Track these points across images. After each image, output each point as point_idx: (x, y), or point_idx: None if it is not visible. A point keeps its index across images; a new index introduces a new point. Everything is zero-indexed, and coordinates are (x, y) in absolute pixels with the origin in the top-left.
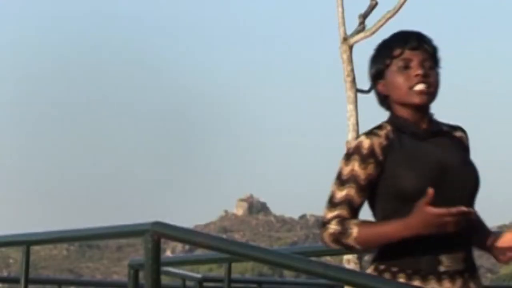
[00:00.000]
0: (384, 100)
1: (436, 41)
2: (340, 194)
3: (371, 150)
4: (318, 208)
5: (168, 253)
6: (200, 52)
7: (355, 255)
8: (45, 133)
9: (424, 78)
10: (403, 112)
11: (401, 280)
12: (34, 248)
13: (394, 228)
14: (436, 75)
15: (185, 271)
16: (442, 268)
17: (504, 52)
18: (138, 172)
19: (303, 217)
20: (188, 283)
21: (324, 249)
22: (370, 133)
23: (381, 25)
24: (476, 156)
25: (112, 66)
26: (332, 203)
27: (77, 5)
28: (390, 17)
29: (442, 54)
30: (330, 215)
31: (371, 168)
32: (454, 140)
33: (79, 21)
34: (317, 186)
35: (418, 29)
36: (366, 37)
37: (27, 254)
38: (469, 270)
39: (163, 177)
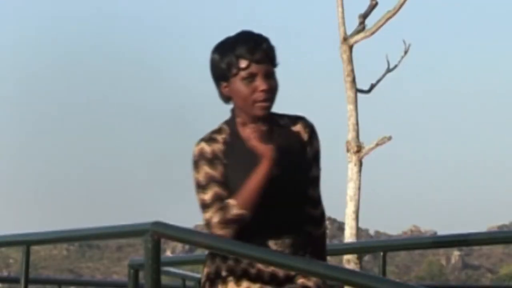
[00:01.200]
0: (226, 100)
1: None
2: (207, 196)
3: (214, 154)
4: None
5: (168, 253)
6: (200, 52)
7: (355, 255)
8: (45, 133)
9: (267, 94)
10: (244, 117)
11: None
12: (34, 248)
13: (255, 172)
14: (276, 82)
15: (185, 271)
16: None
17: (504, 52)
18: (138, 172)
19: None
20: (188, 283)
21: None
22: (209, 140)
23: (381, 25)
24: (476, 156)
25: (112, 66)
26: (206, 206)
27: (77, 5)
28: (390, 17)
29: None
30: (209, 214)
31: (220, 168)
32: (289, 137)
33: (79, 21)
34: None
35: (417, 29)
36: (366, 37)
37: (27, 254)
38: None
39: (163, 177)
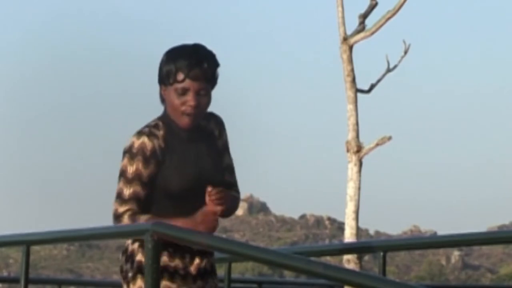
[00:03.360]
0: (163, 101)
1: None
2: (128, 191)
3: (153, 151)
4: (318, 208)
5: None
6: None
7: (355, 255)
8: (45, 132)
9: (195, 109)
10: (173, 118)
11: (164, 257)
12: (34, 248)
13: (179, 224)
14: (208, 100)
15: None
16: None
17: (504, 52)
18: None
19: (303, 217)
20: None
21: (324, 249)
22: (151, 135)
23: (381, 25)
24: (476, 156)
25: (113, 66)
26: (122, 199)
27: (75, 5)
28: (390, 17)
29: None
30: (122, 209)
31: (152, 168)
32: (208, 136)
33: (79, 20)
34: (317, 186)
35: (417, 29)
36: (366, 37)
37: (27, 254)
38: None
39: None
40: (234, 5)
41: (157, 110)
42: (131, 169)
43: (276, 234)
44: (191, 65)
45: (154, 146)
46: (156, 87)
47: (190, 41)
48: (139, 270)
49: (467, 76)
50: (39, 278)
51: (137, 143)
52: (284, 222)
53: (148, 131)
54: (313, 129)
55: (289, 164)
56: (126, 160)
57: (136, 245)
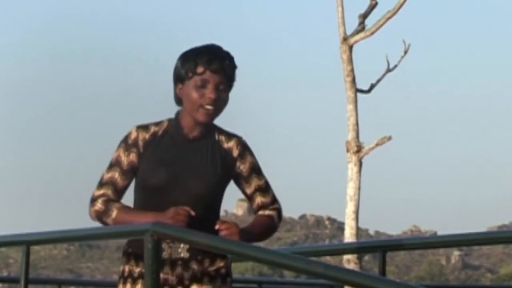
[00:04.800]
0: (179, 102)
1: (439, 41)
2: (107, 175)
3: (135, 141)
4: (318, 208)
5: None
6: None
7: (355, 255)
8: (45, 132)
9: (214, 102)
10: (186, 119)
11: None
12: (34, 248)
13: (145, 219)
14: (226, 97)
15: None
16: (164, 255)
17: (504, 52)
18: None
19: (303, 217)
20: None
21: (324, 249)
22: (142, 127)
23: (381, 25)
24: (476, 156)
25: (113, 66)
26: (100, 183)
27: (73, 4)
28: (390, 17)
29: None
30: (97, 193)
31: (133, 156)
32: (217, 149)
33: (79, 20)
34: (317, 186)
35: (417, 29)
36: (366, 37)
37: (27, 254)
38: (195, 258)
39: None
40: (234, 5)
41: (157, 110)
42: (114, 155)
43: (276, 234)
44: (212, 59)
45: (138, 136)
46: (157, 87)
47: (190, 41)
48: (120, 277)
49: (467, 76)
50: (39, 278)
51: (126, 133)
52: (284, 222)
53: (143, 124)
54: (313, 129)
55: (289, 164)
56: (115, 148)
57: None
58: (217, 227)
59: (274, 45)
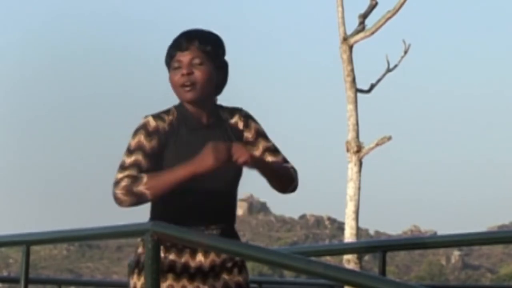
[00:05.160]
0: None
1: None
2: (129, 159)
3: (156, 129)
4: (318, 208)
5: None
6: None
7: (355, 255)
8: (45, 132)
9: (188, 77)
10: (187, 106)
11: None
12: (34, 248)
13: (180, 172)
14: (206, 70)
15: None
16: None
17: (504, 52)
18: None
19: (303, 217)
20: None
21: (324, 249)
22: (157, 116)
23: (381, 25)
24: (476, 156)
25: (113, 66)
26: (122, 167)
27: (72, 4)
28: (390, 17)
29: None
30: (121, 175)
31: (155, 142)
32: (228, 129)
33: (79, 20)
34: (317, 186)
35: (417, 29)
36: (366, 37)
37: (27, 254)
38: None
39: None
40: (234, 5)
41: (157, 109)
42: (133, 142)
43: (276, 234)
44: (179, 39)
45: (158, 125)
46: (157, 87)
47: (190, 29)
48: (137, 264)
49: (467, 76)
50: (39, 278)
51: (141, 122)
52: (284, 222)
53: (156, 114)
54: (313, 129)
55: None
56: (130, 138)
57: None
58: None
59: (274, 45)
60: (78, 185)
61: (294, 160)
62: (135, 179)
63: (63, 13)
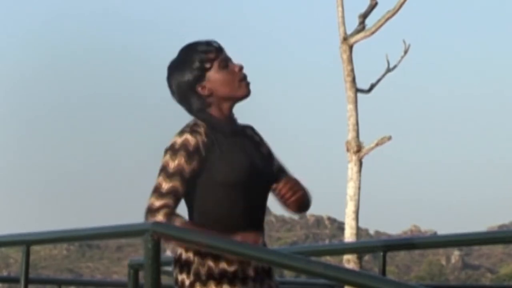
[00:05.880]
0: (202, 101)
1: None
2: (167, 185)
3: (197, 147)
4: (318, 208)
5: (168, 253)
6: None
7: (355, 255)
8: (45, 132)
9: (244, 72)
10: (218, 112)
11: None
12: (34, 248)
13: (221, 237)
14: None
15: None
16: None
17: (504, 52)
18: (139, 171)
19: (303, 217)
20: None
21: (324, 249)
22: (193, 132)
23: (381, 25)
24: (476, 156)
25: (113, 66)
26: (159, 193)
27: (72, 4)
28: (390, 17)
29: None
30: (158, 203)
31: (195, 164)
32: (248, 137)
33: (79, 20)
34: (317, 186)
35: (417, 29)
36: (366, 37)
37: (27, 254)
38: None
39: None
40: (234, 5)
41: (157, 109)
42: (172, 164)
43: (276, 234)
44: (209, 43)
45: (198, 142)
46: (157, 87)
47: (190, 41)
48: (198, 278)
49: (467, 76)
50: (39, 278)
51: (179, 140)
52: (284, 222)
53: (189, 129)
54: (313, 129)
55: (289, 164)
56: (167, 156)
57: (191, 253)
58: (281, 188)
59: (274, 45)
60: (78, 185)
61: (294, 160)
62: (170, 216)
63: (63, 13)
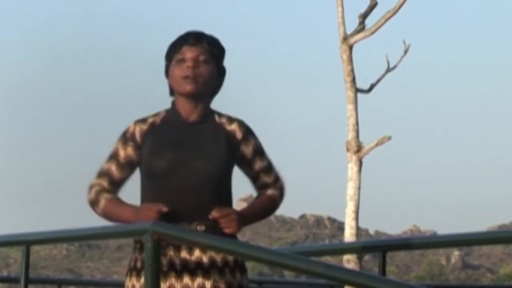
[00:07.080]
0: (171, 91)
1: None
2: (105, 166)
3: (132, 134)
4: (318, 207)
5: None
6: None
7: (355, 255)
8: (45, 132)
9: (193, 69)
10: (180, 103)
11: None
12: (34, 248)
13: (126, 213)
14: (210, 68)
15: None
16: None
17: (504, 52)
18: (138, 171)
19: (303, 217)
20: None
21: (324, 249)
22: (140, 120)
23: (381, 25)
24: (476, 156)
25: (113, 66)
26: (97, 173)
27: (77, 5)
28: (390, 17)
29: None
30: (93, 182)
31: (129, 150)
32: (219, 131)
33: (79, 20)
34: (317, 186)
35: (417, 29)
36: (366, 37)
37: (27, 254)
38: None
39: None
40: (234, 5)
41: (157, 109)
42: (113, 148)
43: (276, 234)
44: (187, 35)
45: (135, 129)
46: (157, 87)
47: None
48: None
49: (467, 76)
50: (39, 278)
51: (126, 128)
52: (284, 222)
53: (141, 118)
54: (313, 129)
55: (289, 163)
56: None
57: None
58: (213, 214)
59: (274, 45)
60: (78, 185)
61: (294, 160)
62: (96, 199)
63: (63, 13)
